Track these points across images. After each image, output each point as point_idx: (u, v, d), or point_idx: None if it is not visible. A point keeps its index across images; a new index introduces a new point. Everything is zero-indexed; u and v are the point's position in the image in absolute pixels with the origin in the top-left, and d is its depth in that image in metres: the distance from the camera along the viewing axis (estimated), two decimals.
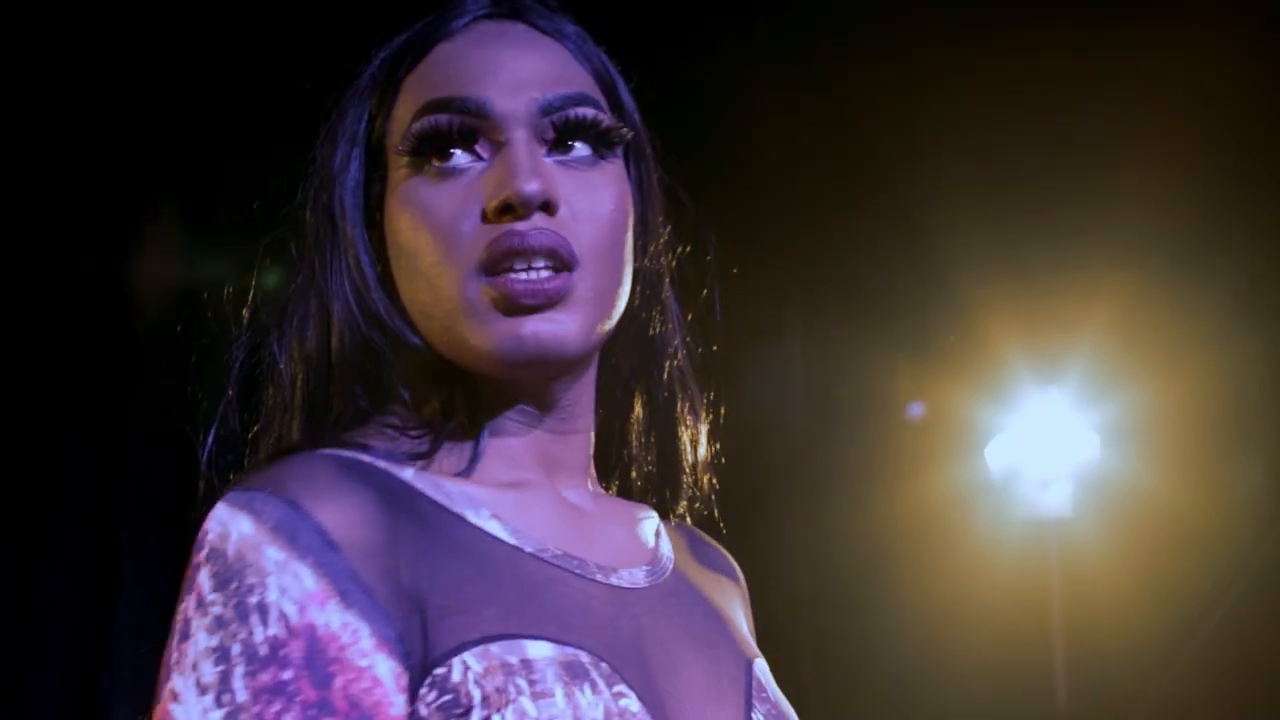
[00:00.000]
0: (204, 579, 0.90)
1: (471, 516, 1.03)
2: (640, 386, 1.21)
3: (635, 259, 1.14)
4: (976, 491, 4.92)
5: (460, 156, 1.06)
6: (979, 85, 4.14)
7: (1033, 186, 4.48)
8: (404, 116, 1.09)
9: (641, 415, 1.22)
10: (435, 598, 0.95)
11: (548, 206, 1.04)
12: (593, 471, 1.19)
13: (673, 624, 1.10)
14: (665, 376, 1.20)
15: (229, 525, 0.91)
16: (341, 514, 0.92)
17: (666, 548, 1.20)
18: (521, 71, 1.08)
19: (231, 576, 0.89)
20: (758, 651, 1.20)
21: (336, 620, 0.89)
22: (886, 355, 4.83)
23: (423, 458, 1.05)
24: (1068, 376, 4.83)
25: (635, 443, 1.22)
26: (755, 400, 4.44)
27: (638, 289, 1.16)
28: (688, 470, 1.23)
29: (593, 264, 1.06)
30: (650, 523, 1.21)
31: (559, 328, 1.03)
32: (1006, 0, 4.06)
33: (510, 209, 1.03)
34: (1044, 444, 4.87)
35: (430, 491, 1.03)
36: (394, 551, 0.94)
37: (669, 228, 1.20)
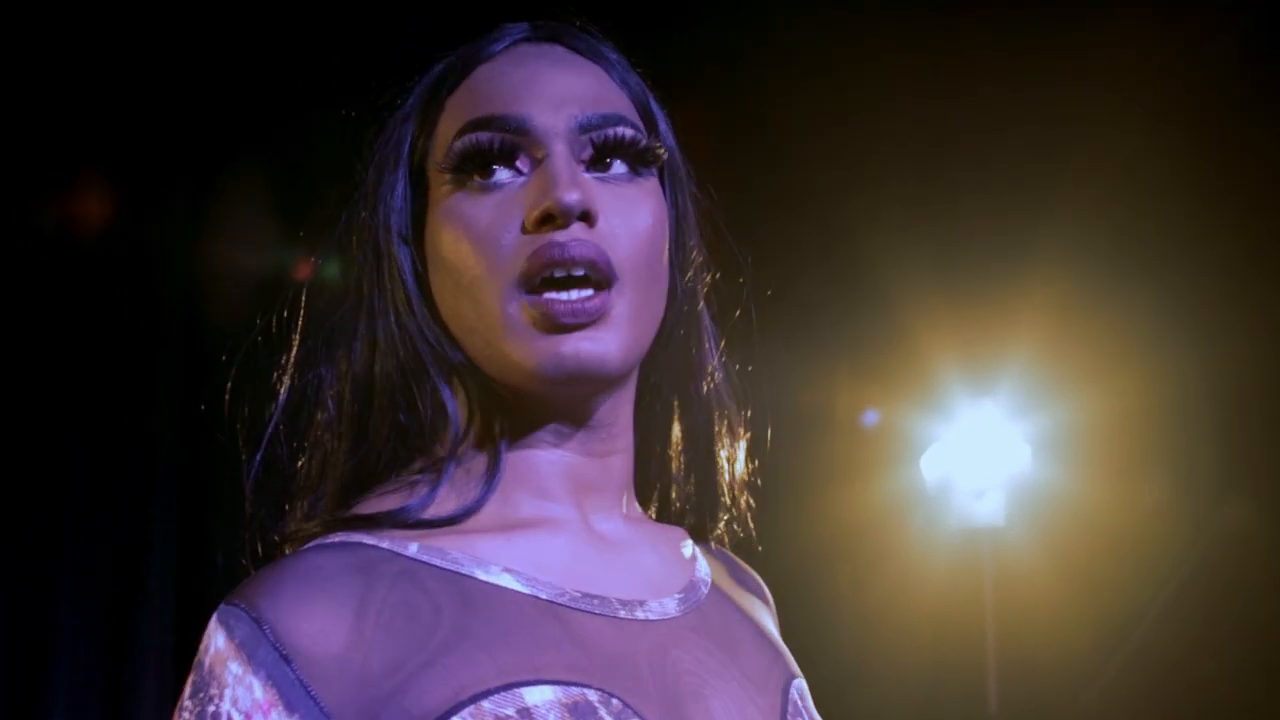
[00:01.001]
0: (188, 685, 1.01)
1: (481, 575, 1.05)
2: (679, 405, 1.22)
3: (671, 277, 1.15)
4: (911, 501, 4.95)
5: (501, 172, 1.08)
6: (909, 93, 4.14)
7: (965, 197, 4.48)
8: (447, 135, 1.11)
9: (681, 436, 1.23)
10: (419, 673, 0.99)
11: (587, 217, 1.06)
12: (631, 493, 1.18)
13: (705, 650, 1.11)
14: (704, 395, 1.21)
15: (212, 639, 1.01)
16: (298, 627, 0.99)
17: (704, 570, 1.20)
18: (560, 89, 1.10)
19: (201, 686, 1.00)
20: (797, 671, 1.20)
21: None
22: (821, 366, 4.83)
23: (433, 522, 1.07)
24: (1001, 388, 4.86)
25: (675, 463, 1.23)
26: None
27: (674, 307, 1.17)
28: (725, 491, 1.24)
29: (631, 279, 1.07)
30: (687, 545, 1.21)
31: (599, 346, 1.05)
32: (935, 8, 4.06)
33: (551, 218, 1.05)
34: (978, 454, 4.91)
35: (437, 561, 1.05)
36: (360, 648, 0.99)
37: (703, 248, 1.21)
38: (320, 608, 1.00)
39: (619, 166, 1.10)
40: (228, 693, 0.98)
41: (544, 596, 1.05)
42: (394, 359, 1.11)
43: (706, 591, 1.17)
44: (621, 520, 1.15)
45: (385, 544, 1.05)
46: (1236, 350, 4.49)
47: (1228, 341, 4.48)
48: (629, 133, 1.10)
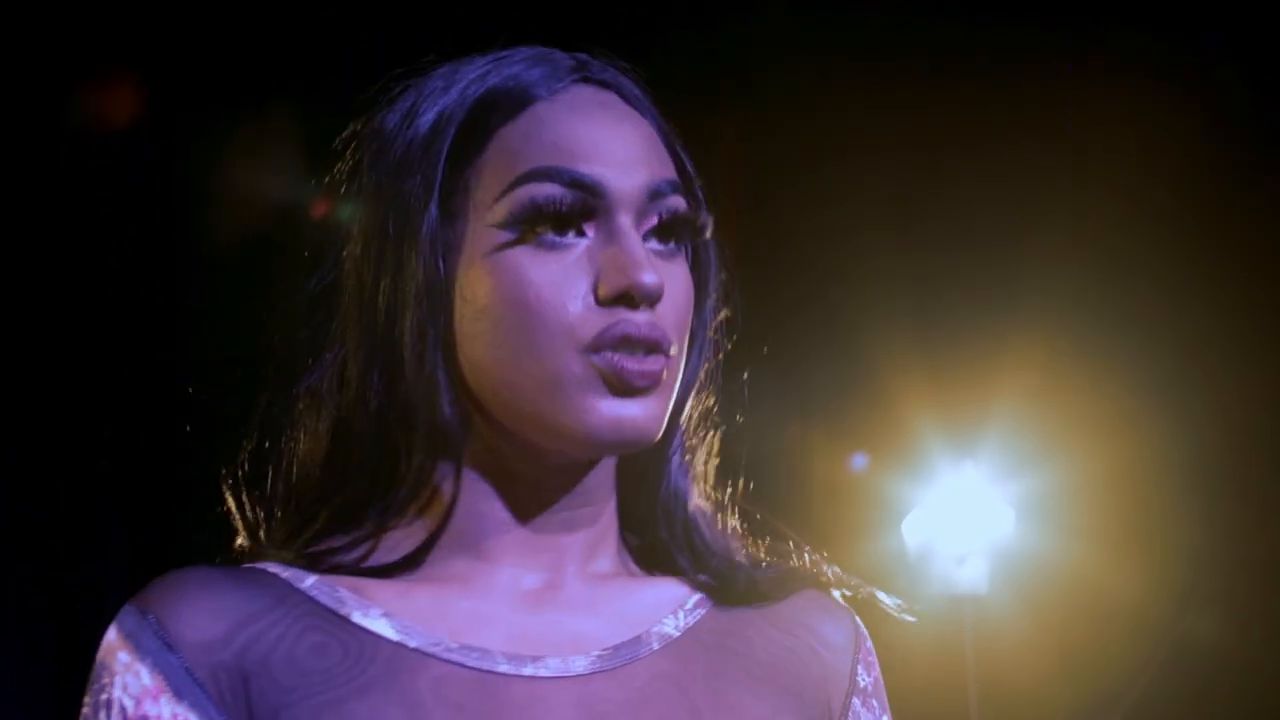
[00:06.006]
0: (90, 680, 1.06)
1: (358, 617, 1.06)
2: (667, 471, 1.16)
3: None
4: (891, 566, 4.90)
5: (568, 233, 1.05)
6: (890, 147, 4.13)
7: (947, 258, 4.47)
8: (501, 174, 1.06)
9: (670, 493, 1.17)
10: (272, 707, 1.03)
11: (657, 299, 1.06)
12: (603, 549, 1.13)
13: (615, 714, 1.04)
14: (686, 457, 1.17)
15: (107, 635, 1.06)
16: (184, 619, 1.04)
17: (672, 625, 1.12)
18: (631, 151, 1.07)
19: (95, 678, 1.05)
20: None
21: (168, 711, 1.02)
22: (797, 428, 4.79)
23: (357, 565, 1.08)
24: (984, 451, 4.82)
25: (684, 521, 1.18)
26: None
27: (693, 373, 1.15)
28: (722, 537, 1.18)
29: (676, 353, 1.07)
30: (666, 601, 1.13)
31: (649, 413, 1.05)
32: (920, 65, 4.04)
33: (629, 299, 1.03)
34: (960, 519, 4.87)
35: (323, 598, 1.06)
36: (243, 653, 1.04)
37: (724, 312, 1.18)
38: (210, 605, 1.04)
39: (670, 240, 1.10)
40: (117, 680, 1.04)
41: (412, 644, 1.05)
42: (385, 395, 1.08)
43: (657, 647, 1.09)
44: (576, 577, 1.11)
45: (286, 574, 1.08)
46: (1225, 413, 4.49)
47: (1217, 403, 4.48)
48: (689, 208, 1.09)
